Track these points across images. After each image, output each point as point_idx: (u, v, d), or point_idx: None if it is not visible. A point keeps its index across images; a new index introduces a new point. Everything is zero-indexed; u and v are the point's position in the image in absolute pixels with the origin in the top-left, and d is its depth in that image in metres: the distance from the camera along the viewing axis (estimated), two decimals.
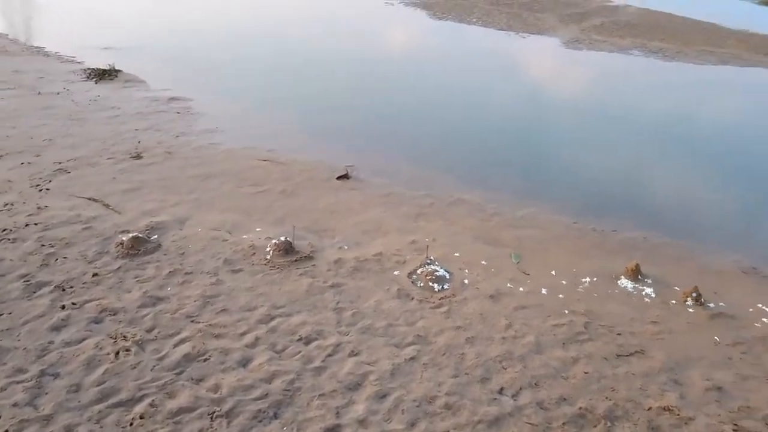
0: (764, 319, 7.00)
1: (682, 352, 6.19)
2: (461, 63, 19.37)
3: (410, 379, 5.44)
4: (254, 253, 7.32)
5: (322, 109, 13.57)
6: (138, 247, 7.15)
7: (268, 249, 7.38)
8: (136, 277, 6.62)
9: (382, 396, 5.19)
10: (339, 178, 9.74)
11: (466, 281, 7.18)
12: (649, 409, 5.28)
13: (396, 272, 7.23)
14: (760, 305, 7.29)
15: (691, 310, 7.02)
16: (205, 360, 5.46)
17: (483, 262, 7.65)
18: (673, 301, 7.17)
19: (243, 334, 5.88)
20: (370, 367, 5.53)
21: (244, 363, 5.48)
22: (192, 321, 5.98)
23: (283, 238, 7.46)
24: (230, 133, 11.46)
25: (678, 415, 5.24)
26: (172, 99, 13.17)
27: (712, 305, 7.15)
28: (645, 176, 11.29)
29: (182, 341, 5.66)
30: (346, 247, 7.69)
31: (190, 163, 9.91)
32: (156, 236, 7.51)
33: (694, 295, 7.18)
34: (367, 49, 20.77)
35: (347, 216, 8.54)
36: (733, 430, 5.12)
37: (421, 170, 10.44)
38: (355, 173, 9.89)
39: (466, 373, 5.58)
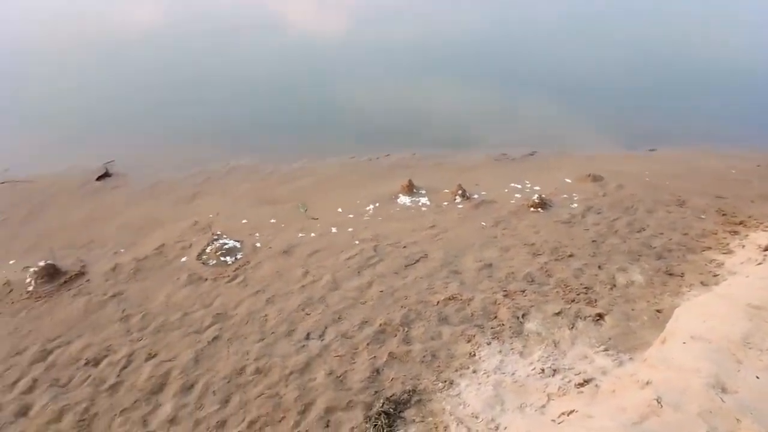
0: (516, 195, 8.15)
1: (457, 244, 6.94)
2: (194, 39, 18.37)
3: (216, 360, 5.30)
4: (11, 290, 6.36)
5: (61, 111, 11.91)
6: None
7: (28, 280, 6.46)
8: None
9: (189, 387, 4.99)
10: (99, 178, 8.79)
11: (258, 245, 7.11)
12: (437, 304, 5.87)
13: (183, 259, 6.86)
14: (512, 184, 8.44)
15: (460, 206, 7.87)
16: None
17: (272, 221, 7.63)
18: (445, 203, 7.96)
19: (15, 382, 5.15)
20: (171, 363, 5.25)
21: (23, 412, 4.83)
22: None
23: (42, 263, 6.57)
24: None
25: (461, 299, 5.91)
26: None
27: (476, 196, 8.09)
28: (402, 100, 12.06)
29: None
30: (122, 251, 7.06)
31: None
32: None
33: (459, 192, 8.04)
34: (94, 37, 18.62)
35: (114, 218, 7.80)
36: (504, 295, 5.95)
37: (188, 149, 9.89)
38: (115, 170, 9.00)
39: (272, 333, 5.60)
